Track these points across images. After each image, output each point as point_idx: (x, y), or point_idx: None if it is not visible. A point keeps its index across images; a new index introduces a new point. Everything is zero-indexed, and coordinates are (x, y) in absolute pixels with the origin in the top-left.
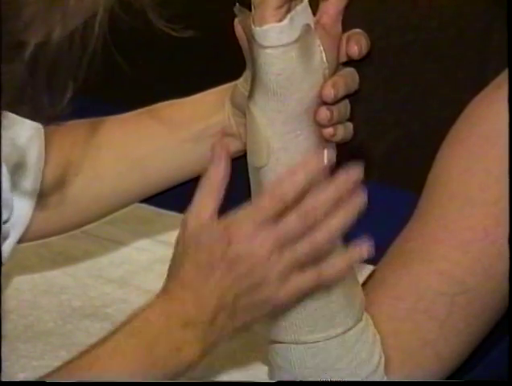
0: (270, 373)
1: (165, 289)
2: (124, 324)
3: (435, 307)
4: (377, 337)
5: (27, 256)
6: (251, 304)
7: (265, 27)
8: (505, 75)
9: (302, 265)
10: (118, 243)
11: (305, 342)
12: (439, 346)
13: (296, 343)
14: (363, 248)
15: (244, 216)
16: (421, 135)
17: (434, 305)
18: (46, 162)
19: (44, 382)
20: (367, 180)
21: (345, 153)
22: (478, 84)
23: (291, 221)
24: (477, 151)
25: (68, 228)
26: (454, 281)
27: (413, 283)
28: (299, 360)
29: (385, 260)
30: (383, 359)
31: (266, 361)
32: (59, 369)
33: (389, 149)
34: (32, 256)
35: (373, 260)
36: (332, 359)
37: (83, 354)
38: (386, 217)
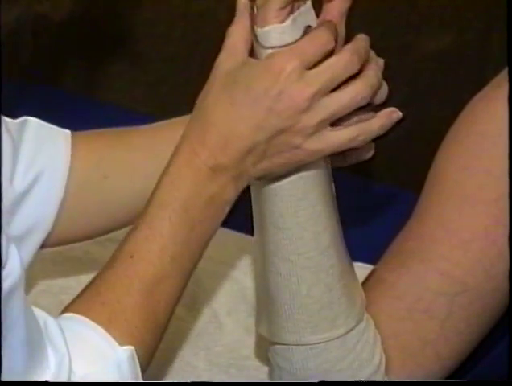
0: (271, 373)
1: (187, 138)
2: (152, 199)
3: (436, 307)
4: (378, 337)
5: None
6: (281, 148)
7: (266, 28)
8: (504, 74)
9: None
10: (119, 243)
11: (306, 344)
12: (440, 346)
13: (297, 344)
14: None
15: (290, 55)
16: (421, 135)
17: (434, 305)
18: (72, 167)
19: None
20: (367, 180)
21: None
22: (478, 84)
23: (338, 63)
24: (477, 150)
25: (96, 233)
26: (454, 281)
27: (413, 283)
28: (300, 361)
29: (384, 260)
30: (384, 360)
31: (266, 361)
32: (100, 272)
33: (389, 149)
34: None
35: (372, 260)
36: (334, 360)
37: (120, 247)
38: (386, 217)
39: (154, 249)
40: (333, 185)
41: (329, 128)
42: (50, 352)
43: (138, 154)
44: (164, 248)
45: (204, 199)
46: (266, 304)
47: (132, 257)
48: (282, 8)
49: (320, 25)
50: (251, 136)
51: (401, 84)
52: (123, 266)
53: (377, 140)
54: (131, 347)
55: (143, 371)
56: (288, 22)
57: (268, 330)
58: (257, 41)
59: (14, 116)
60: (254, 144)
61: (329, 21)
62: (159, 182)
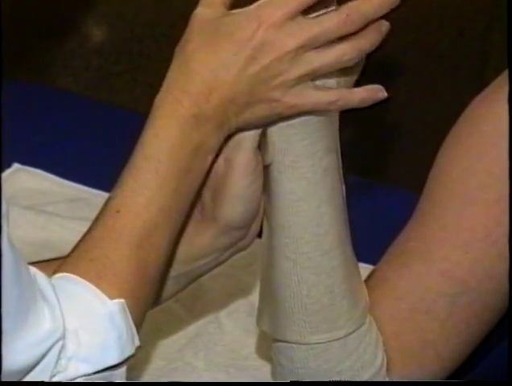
0: (273, 371)
1: (169, 88)
2: (136, 152)
3: (436, 307)
4: (380, 338)
5: (29, 256)
6: (262, 99)
7: None
8: (505, 75)
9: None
10: None
11: (307, 343)
12: (440, 346)
13: (299, 343)
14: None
15: (277, 4)
16: (421, 135)
17: (435, 305)
18: None
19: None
20: (367, 180)
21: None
22: (478, 84)
23: (329, 21)
24: (478, 151)
25: None
26: (455, 282)
27: (414, 283)
28: (301, 360)
29: (385, 260)
30: (385, 361)
31: (267, 360)
32: (88, 230)
33: (389, 149)
34: (33, 257)
35: (372, 260)
36: (335, 361)
37: (107, 203)
38: (386, 217)
39: (142, 202)
40: (343, 187)
41: (312, 85)
42: (43, 304)
43: None
44: (152, 201)
45: (189, 148)
46: (268, 300)
47: (119, 212)
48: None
49: None
50: (234, 85)
51: (401, 84)
52: (110, 221)
53: (377, 140)
54: (121, 300)
55: (136, 326)
56: None
57: (270, 327)
58: None
59: (14, 115)
60: (236, 93)
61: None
62: (143, 135)
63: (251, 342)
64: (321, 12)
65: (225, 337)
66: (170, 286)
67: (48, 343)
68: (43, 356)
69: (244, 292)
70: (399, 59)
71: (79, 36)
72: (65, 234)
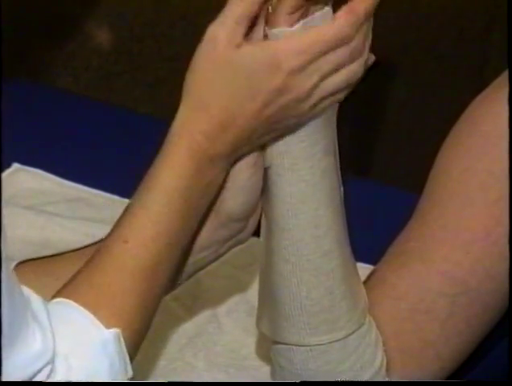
0: (273, 373)
1: (186, 126)
2: (150, 184)
3: (436, 307)
4: (380, 339)
5: (29, 256)
6: (278, 129)
7: (274, 30)
8: (505, 75)
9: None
10: None
11: (307, 345)
12: (440, 346)
13: (298, 345)
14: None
15: (298, 47)
16: (421, 135)
17: (435, 305)
18: None
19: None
20: (367, 180)
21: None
22: (478, 84)
23: (343, 53)
24: (478, 151)
25: None
26: (455, 282)
27: (414, 283)
28: (301, 362)
29: (385, 260)
30: (385, 361)
31: (267, 361)
32: (93, 256)
33: (389, 149)
34: (33, 257)
35: (372, 261)
36: (335, 362)
37: (115, 230)
38: (386, 217)
39: (150, 235)
40: (342, 189)
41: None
42: (34, 326)
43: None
44: (160, 235)
45: (202, 187)
46: (267, 302)
47: (126, 242)
48: (291, 13)
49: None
50: (251, 125)
51: (401, 84)
52: (117, 251)
53: (377, 140)
54: (117, 330)
55: (131, 357)
56: (297, 27)
57: (269, 329)
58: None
59: (13, 115)
60: (253, 132)
61: (350, 11)
62: (157, 167)
63: (251, 342)
64: (316, 15)
65: (224, 337)
66: None
67: (38, 365)
68: (31, 378)
69: (244, 292)
70: (399, 59)
71: (79, 36)
72: (65, 234)
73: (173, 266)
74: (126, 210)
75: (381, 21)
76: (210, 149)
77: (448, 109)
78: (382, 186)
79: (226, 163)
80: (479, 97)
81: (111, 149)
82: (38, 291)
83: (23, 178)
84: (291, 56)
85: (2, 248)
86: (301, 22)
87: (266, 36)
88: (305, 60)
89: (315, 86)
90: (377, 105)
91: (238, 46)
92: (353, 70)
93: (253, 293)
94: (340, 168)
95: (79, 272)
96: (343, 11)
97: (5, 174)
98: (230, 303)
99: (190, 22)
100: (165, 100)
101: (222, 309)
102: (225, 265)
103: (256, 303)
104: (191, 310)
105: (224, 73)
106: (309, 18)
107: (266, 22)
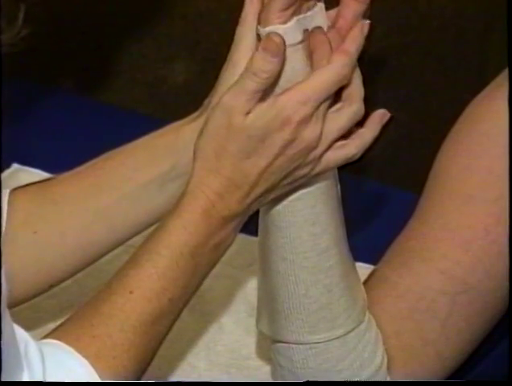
0: (273, 372)
1: (200, 186)
2: (160, 238)
3: (437, 306)
4: (380, 337)
5: None
6: (290, 183)
7: (267, 29)
8: (505, 74)
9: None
10: None
11: (307, 343)
12: (441, 345)
13: (297, 343)
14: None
15: (304, 99)
16: (421, 135)
17: (435, 304)
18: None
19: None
20: (367, 180)
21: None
22: (478, 84)
23: (351, 112)
24: (478, 149)
25: (34, 291)
26: (455, 281)
27: (414, 282)
28: (301, 360)
29: (386, 259)
30: (386, 360)
31: (267, 361)
32: (95, 301)
33: (389, 149)
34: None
35: (372, 260)
36: (334, 360)
37: (119, 279)
38: (386, 217)
39: (155, 289)
40: (339, 187)
41: (330, 150)
42: (26, 378)
43: (64, 207)
44: (165, 290)
45: (211, 245)
46: (266, 301)
47: (132, 293)
48: (285, 9)
49: (334, 56)
50: (265, 183)
51: (401, 84)
52: (121, 301)
53: (377, 140)
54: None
55: None
56: (290, 23)
57: (269, 328)
58: (259, 40)
59: (13, 116)
60: (267, 189)
61: (343, 52)
62: (169, 224)
63: (251, 342)
64: (308, 14)
65: (225, 337)
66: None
67: None
68: None
69: (244, 292)
70: (399, 59)
71: (79, 36)
72: None
73: (173, 321)
74: (134, 258)
75: (381, 21)
76: (224, 211)
77: (447, 109)
78: (382, 186)
79: (238, 223)
80: (479, 96)
81: (111, 150)
82: (39, 220)
83: (23, 178)
84: (297, 107)
85: (3, 299)
86: (294, 18)
87: (258, 36)
88: (312, 107)
89: (322, 132)
90: (376, 105)
91: (249, 112)
92: (353, 110)
93: (253, 293)
94: (340, 168)
95: (80, 316)
96: (337, 53)
97: (5, 174)
98: (231, 303)
99: (190, 22)
100: (165, 100)
101: (223, 309)
102: (225, 265)
103: (256, 303)
104: (191, 310)
105: (238, 139)
106: (302, 16)
107: (259, 22)
